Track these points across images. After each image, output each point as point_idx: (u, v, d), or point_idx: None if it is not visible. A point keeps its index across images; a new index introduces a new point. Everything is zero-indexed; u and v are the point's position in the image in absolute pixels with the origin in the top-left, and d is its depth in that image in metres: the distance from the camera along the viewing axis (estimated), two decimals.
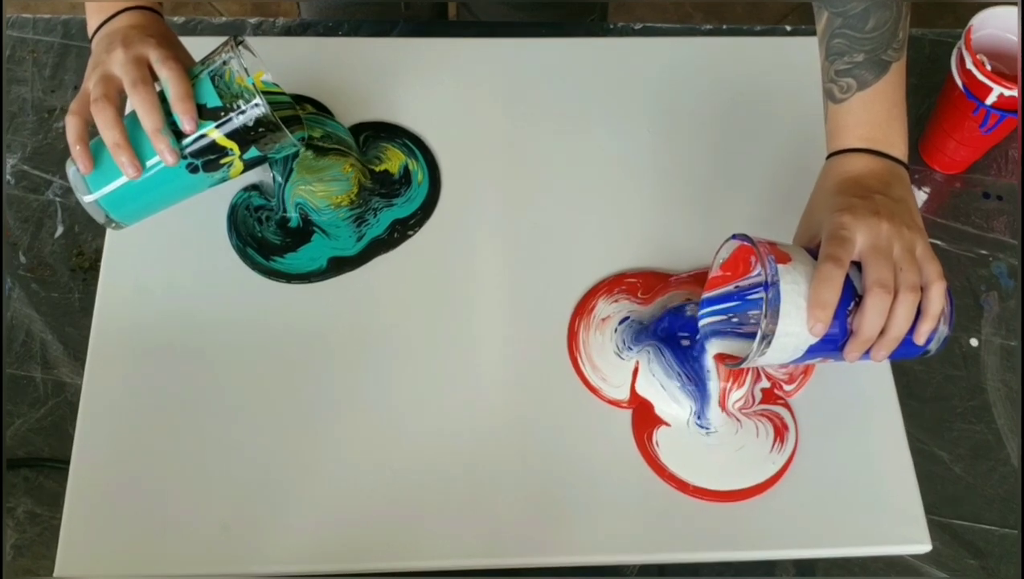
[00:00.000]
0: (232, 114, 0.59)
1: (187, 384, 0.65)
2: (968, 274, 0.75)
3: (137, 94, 0.59)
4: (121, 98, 0.60)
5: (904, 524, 0.63)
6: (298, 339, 0.67)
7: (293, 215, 0.70)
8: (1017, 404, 0.70)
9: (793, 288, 0.54)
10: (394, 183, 0.73)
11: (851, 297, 0.55)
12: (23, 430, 0.66)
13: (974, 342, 0.72)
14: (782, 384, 0.67)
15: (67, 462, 0.63)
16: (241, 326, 0.68)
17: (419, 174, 0.74)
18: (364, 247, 0.71)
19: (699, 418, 0.65)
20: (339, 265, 0.70)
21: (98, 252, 0.71)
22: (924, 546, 0.63)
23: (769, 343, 0.54)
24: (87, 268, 0.71)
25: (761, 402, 0.66)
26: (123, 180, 0.60)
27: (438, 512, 0.62)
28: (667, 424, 0.65)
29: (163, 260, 0.70)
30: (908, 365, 0.71)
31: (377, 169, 0.73)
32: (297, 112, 0.67)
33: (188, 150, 0.60)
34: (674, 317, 0.67)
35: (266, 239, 0.71)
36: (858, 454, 0.65)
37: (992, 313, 0.73)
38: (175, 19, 0.82)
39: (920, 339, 0.56)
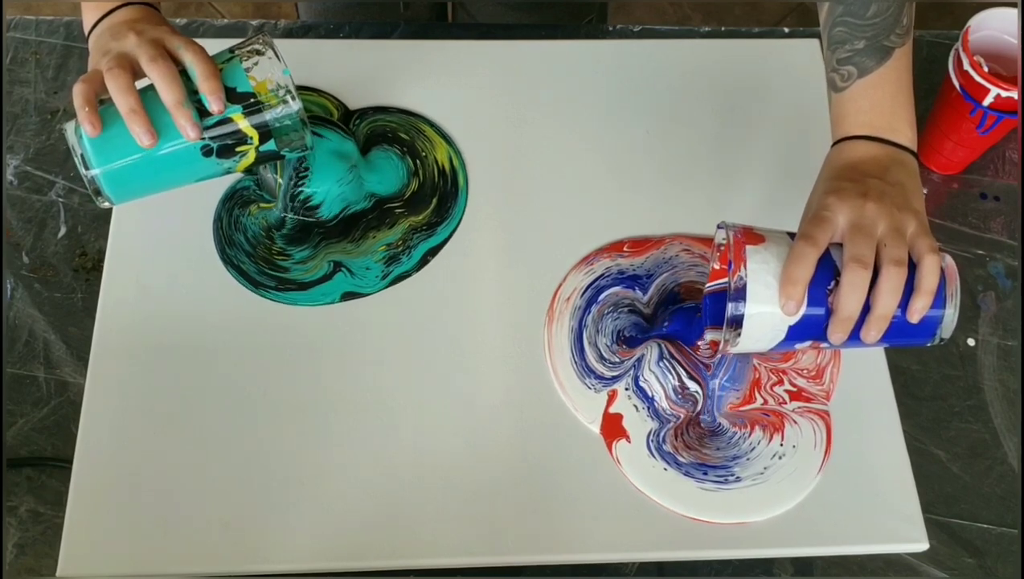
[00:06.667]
0: (263, 103, 0.59)
1: (189, 384, 0.66)
2: (965, 274, 0.75)
3: (157, 68, 0.57)
4: (136, 74, 0.58)
5: (901, 523, 0.64)
6: (300, 340, 0.68)
7: (314, 259, 0.70)
8: (1014, 403, 0.70)
9: (762, 267, 0.54)
10: (445, 196, 0.73)
11: (831, 277, 0.54)
12: (26, 429, 0.66)
13: (971, 342, 0.72)
14: (817, 396, 0.67)
15: (70, 461, 0.63)
16: (244, 327, 0.68)
17: (460, 175, 0.74)
18: (387, 284, 0.70)
19: (660, 441, 0.65)
20: (352, 297, 0.69)
21: (101, 252, 0.71)
22: (921, 545, 0.63)
23: (740, 324, 0.54)
24: (90, 268, 0.72)
25: (794, 400, 0.66)
26: (127, 154, 0.58)
27: (439, 511, 0.62)
28: (628, 440, 0.65)
29: (166, 260, 0.70)
30: (905, 364, 0.71)
31: (438, 158, 0.74)
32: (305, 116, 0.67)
33: (208, 131, 0.59)
34: (679, 317, 0.68)
35: (250, 275, 0.70)
36: (855, 453, 0.65)
37: (989, 313, 0.74)
38: (177, 21, 0.83)
39: (913, 316, 0.53)
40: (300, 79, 0.77)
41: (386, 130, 0.76)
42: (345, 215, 0.71)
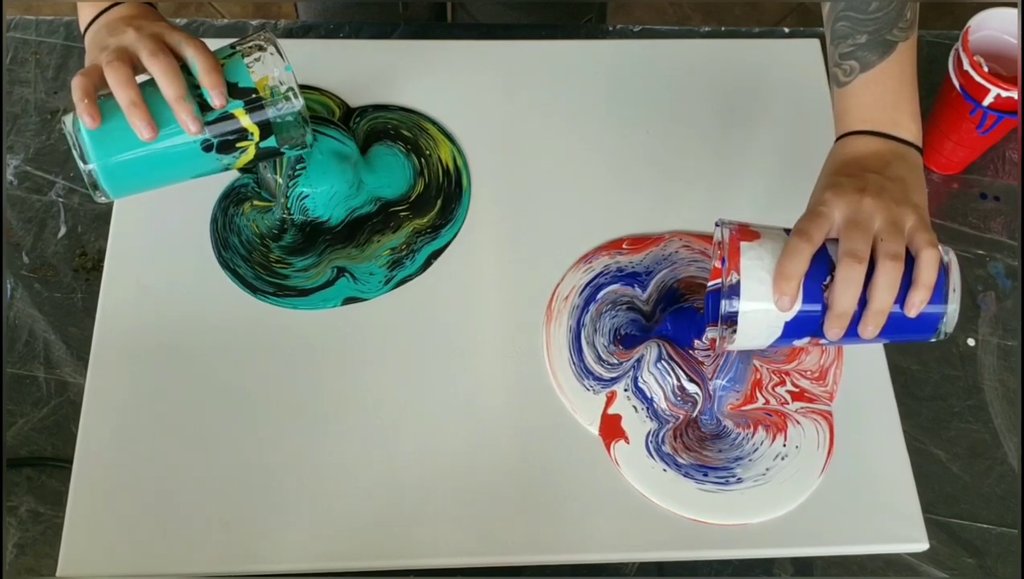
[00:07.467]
0: (265, 99, 0.59)
1: (189, 384, 0.66)
2: (965, 274, 0.75)
3: (158, 62, 0.57)
4: (135, 69, 0.58)
5: (901, 523, 0.64)
6: (301, 341, 0.68)
7: (319, 269, 0.70)
8: (1014, 403, 0.70)
9: (756, 264, 0.54)
10: (449, 198, 0.73)
11: (827, 272, 0.53)
12: (26, 429, 0.66)
13: (971, 342, 0.72)
14: (820, 397, 0.67)
15: (70, 461, 0.63)
16: (244, 327, 0.68)
17: (464, 175, 0.74)
18: (390, 289, 0.70)
19: (659, 441, 0.65)
20: (353, 301, 0.69)
21: (101, 252, 0.71)
22: (922, 545, 0.63)
23: (734, 320, 0.54)
24: (90, 268, 0.72)
25: (796, 400, 0.66)
26: (126, 148, 0.58)
27: (439, 511, 0.62)
28: (627, 441, 0.65)
29: (166, 260, 0.70)
30: (905, 364, 0.71)
31: (442, 157, 0.73)
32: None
33: (209, 126, 0.59)
34: (678, 317, 0.68)
35: (247, 280, 0.69)
36: (855, 453, 0.65)
37: (989, 313, 0.74)
38: (177, 20, 0.83)
39: (911, 311, 0.53)
40: (300, 79, 0.76)
41: (388, 127, 0.76)
42: (350, 219, 0.71)
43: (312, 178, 0.69)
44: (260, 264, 0.70)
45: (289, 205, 0.70)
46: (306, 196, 0.70)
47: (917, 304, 0.53)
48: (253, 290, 0.69)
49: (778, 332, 0.55)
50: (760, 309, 0.54)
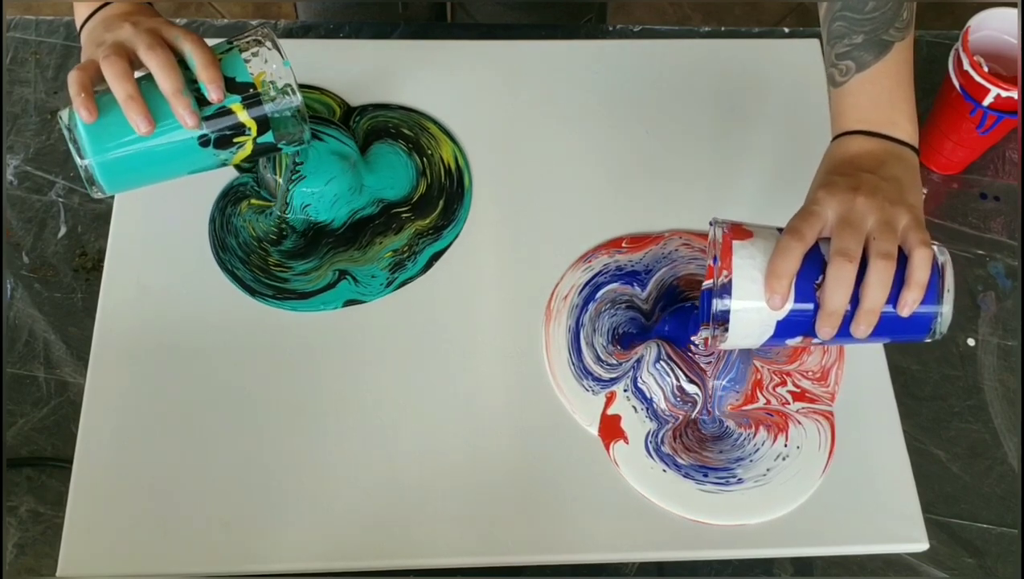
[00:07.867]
0: (263, 94, 0.59)
1: (189, 384, 0.66)
2: (965, 274, 0.75)
3: (155, 56, 0.56)
4: (133, 63, 0.57)
5: (901, 523, 0.64)
6: (301, 341, 0.68)
7: (324, 272, 0.69)
8: (1014, 403, 0.70)
9: (748, 262, 0.53)
10: (451, 198, 0.72)
11: (819, 271, 0.53)
12: (26, 429, 0.66)
13: (971, 342, 0.72)
14: (822, 398, 0.67)
15: (70, 461, 0.63)
16: (245, 327, 0.68)
17: (466, 175, 0.74)
18: (391, 291, 0.70)
19: (659, 442, 0.65)
20: (354, 304, 0.69)
21: (101, 252, 0.71)
22: (921, 545, 0.63)
23: (726, 318, 0.54)
24: (90, 268, 0.72)
25: (797, 401, 0.66)
26: (124, 142, 0.58)
27: (439, 511, 0.63)
28: (626, 441, 0.65)
29: (166, 261, 0.70)
30: (905, 364, 0.71)
31: (444, 156, 0.73)
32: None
33: (206, 121, 0.58)
34: (677, 318, 0.68)
35: (245, 282, 0.69)
36: (855, 453, 0.65)
37: (989, 313, 0.74)
38: (177, 20, 0.83)
39: (904, 310, 0.52)
40: (300, 79, 0.76)
41: (388, 125, 0.76)
42: (352, 221, 0.71)
43: (312, 178, 0.69)
44: (259, 267, 0.70)
45: (290, 213, 0.70)
46: (308, 205, 0.69)
47: (910, 303, 0.52)
48: (251, 293, 0.69)
49: (770, 331, 0.55)
50: (751, 308, 0.54)
